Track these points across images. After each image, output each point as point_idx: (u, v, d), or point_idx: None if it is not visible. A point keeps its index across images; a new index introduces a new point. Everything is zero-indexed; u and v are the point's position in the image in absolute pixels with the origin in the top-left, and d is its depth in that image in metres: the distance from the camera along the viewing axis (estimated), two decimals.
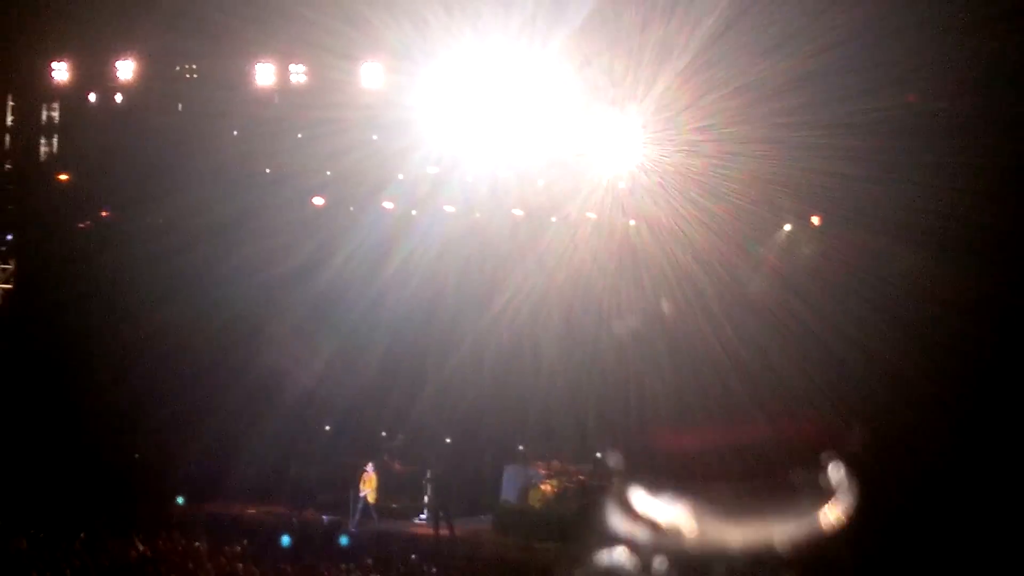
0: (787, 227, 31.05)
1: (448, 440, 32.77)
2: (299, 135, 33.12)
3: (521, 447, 33.55)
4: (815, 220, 30.34)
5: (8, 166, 36.65)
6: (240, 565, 22.18)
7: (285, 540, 27.12)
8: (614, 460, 31.80)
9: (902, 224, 27.44)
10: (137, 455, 33.91)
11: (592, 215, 31.81)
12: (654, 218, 30.86)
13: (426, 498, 32.51)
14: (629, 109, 29.23)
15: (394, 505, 32.52)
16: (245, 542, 24.80)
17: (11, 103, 36.32)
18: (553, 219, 31.64)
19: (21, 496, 28.00)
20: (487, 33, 29.07)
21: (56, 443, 32.79)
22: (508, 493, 32.83)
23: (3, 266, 36.71)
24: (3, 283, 36.62)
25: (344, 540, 28.75)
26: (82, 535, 24.28)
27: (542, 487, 32.15)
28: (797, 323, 28.88)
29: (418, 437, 32.90)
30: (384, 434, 32.94)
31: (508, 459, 33.39)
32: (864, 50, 26.57)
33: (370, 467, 31.67)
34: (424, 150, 30.97)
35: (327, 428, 33.44)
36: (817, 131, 27.13)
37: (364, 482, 31.59)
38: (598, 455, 32.36)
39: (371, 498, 31.59)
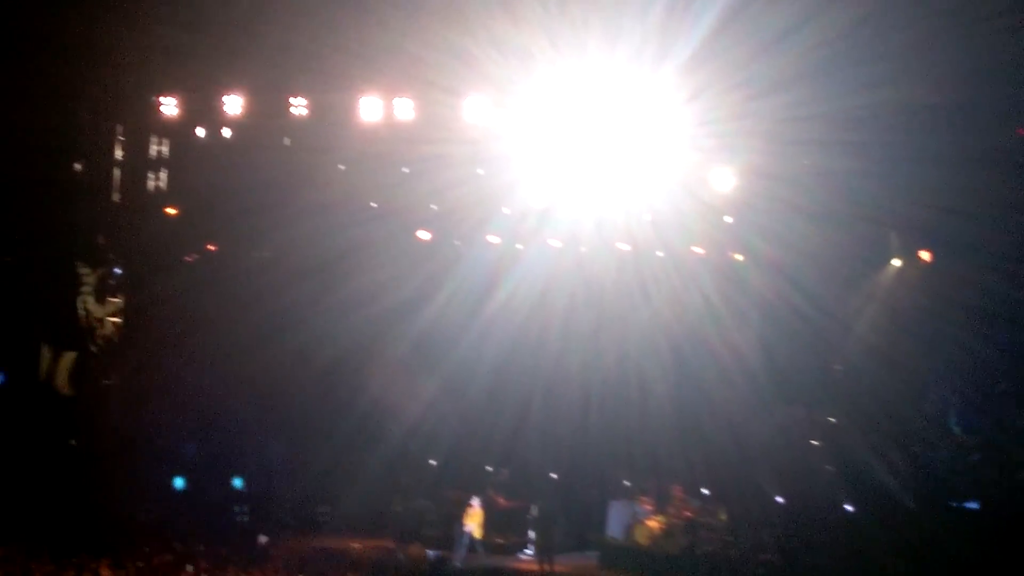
0: (897, 262, 30.73)
1: (553, 475, 32.77)
2: (405, 170, 33.41)
3: (627, 482, 33.49)
4: (925, 256, 29.99)
5: (117, 200, 37.16)
6: None
7: None
8: (720, 497, 31.97)
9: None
10: (240, 489, 34.42)
11: (699, 249, 31.78)
12: (761, 253, 30.78)
13: (531, 533, 32.54)
14: (736, 143, 29.12)
15: (499, 540, 32.57)
16: None
17: (120, 138, 36.86)
18: (660, 253, 31.56)
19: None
20: (593, 66, 29.12)
21: (163, 477, 33.36)
22: (614, 529, 32.82)
23: (113, 300, 37.26)
24: (113, 316, 37.18)
25: None
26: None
27: (648, 523, 32.08)
28: (908, 360, 28.68)
29: (523, 472, 32.99)
30: (489, 468, 33.01)
31: (614, 494, 33.34)
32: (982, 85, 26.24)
33: (475, 501, 31.78)
34: (529, 184, 31.05)
35: (432, 462, 33.65)
36: (926, 166, 26.88)
37: (469, 516, 31.73)
38: (704, 491, 32.28)
39: (476, 533, 31.70)
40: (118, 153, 36.75)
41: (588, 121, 29.84)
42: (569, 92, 29.65)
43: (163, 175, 36.81)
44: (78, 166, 37.05)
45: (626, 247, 31.66)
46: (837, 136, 27.04)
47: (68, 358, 37.10)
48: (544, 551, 31.60)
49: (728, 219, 31.28)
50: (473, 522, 31.72)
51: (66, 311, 37.09)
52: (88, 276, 37.21)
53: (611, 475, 33.35)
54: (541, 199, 31.28)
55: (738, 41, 27.50)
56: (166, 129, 35.71)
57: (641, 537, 32.06)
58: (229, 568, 25.38)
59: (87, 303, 37.04)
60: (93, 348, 37.02)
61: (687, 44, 27.63)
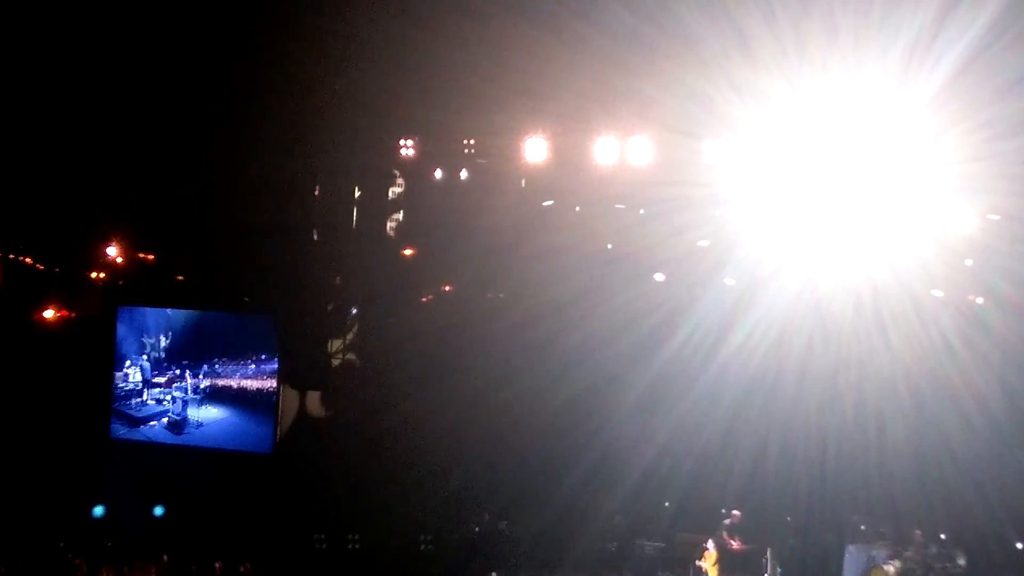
0: None
1: (788, 518, 32.91)
2: (641, 211, 34.06)
3: (863, 526, 33.45)
4: None
5: (354, 241, 38.50)
6: None
7: None
8: (958, 542, 31.80)
9: None
10: (478, 528, 35.37)
11: (939, 292, 31.75)
12: (1004, 295, 30.66)
13: None
14: (978, 184, 29.12)
15: None
16: None
17: (359, 179, 38.22)
18: (898, 296, 31.55)
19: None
20: (830, 108, 29.43)
21: (393, 520, 34.46)
22: (849, 573, 32.75)
23: (351, 339, 38.55)
24: (351, 356, 38.49)
25: None
26: None
27: (884, 568, 31.99)
28: None
29: (758, 514, 33.16)
30: (723, 511, 33.30)
31: (850, 538, 33.31)
32: None
33: (710, 544, 32.13)
34: (766, 226, 31.41)
35: (666, 504, 34.08)
36: None
37: (703, 558, 32.07)
38: (943, 536, 32.13)
39: (710, 575, 32.02)
40: (357, 194, 38.16)
41: (826, 162, 30.13)
42: (806, 132, 30.00)
43: (400, 216, 38.03)
44: (315, 208, 38.66)
45: (865, 290, 31.69)
46: None
47: (310, 398, 38.63)
48: None
49: (969, 262, 31.23)
50: (707, 564, 32.05)
51: (307, 351, 38.62)
52: (327, 316, 38.69)
53: (848, 519, 33.29)
54: (778, 241, 31.55)
55: (982, 80, 27.57)
56: (404, 170, 36.92)
57: None
58: None
59: (326, 343, 38.50)
60: (332, 388, 38.46)
61: (929, 83, 27.79)
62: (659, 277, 34.90)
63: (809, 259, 31.55)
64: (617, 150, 32.39)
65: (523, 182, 35.16)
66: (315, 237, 38.76)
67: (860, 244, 30.72)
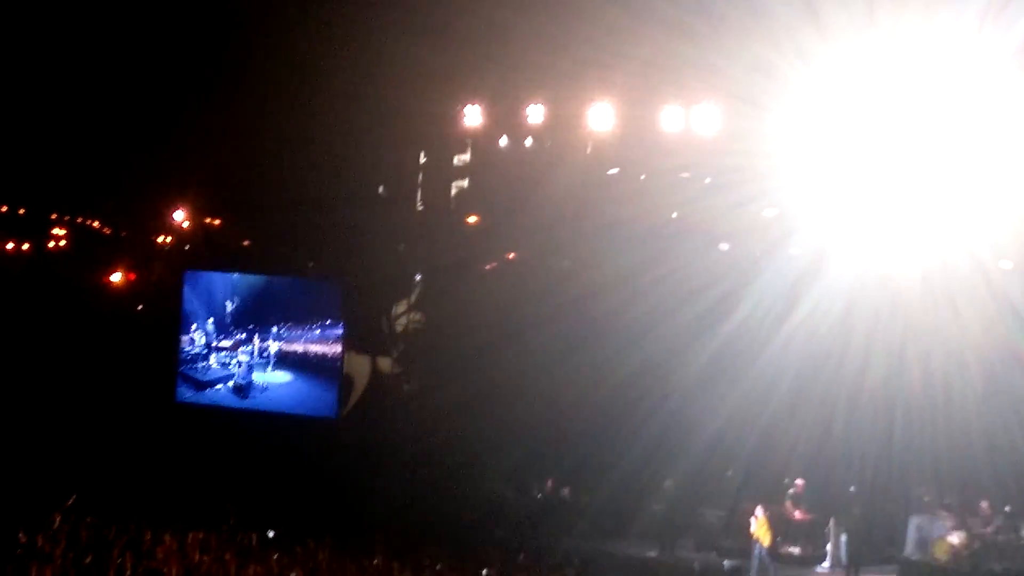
0: None
1: (853, 488, 32.93)
2: (707, 180, 33.99)
3: (927, 498, 33.42)
4: None
5: (419, 208, 38.73)
6: None
7: None
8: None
9: None
10: (540, 495, 35.66)
11: (1008, 263, 31.53)
12: None
13: (828, 547, 32.80)
14: None
15: (796, 552, 32.88)
16: None
17: (422, 148, 38.41)
18: (967, 267, 31.31)
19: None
20: (899, 73, 29.19)
21: (456, 488, 34.79)
22: (913, 544, 32.74)
23: (416, 308, 38.81)
24: (416, 325, 38.75)
25: None
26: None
27: (949, 540, 31.95)
28: None
29: (821, 484, 33.20)
30: (787, 480, 33.36)
31: (914, 509, 33.28)
32: None
33: (759, 511, 32.11)
34: (835, 196, 31.27)
35: (729, 473, 34.19)
36: None
37: (766, 528, 32.11)
38: (1008, 509, 32.05)
39: (764, 542, 32.02)
40: (422, 161, 38.33)
41: (895, 129, 29.93)
42: (875, 99, 29.81)
43: (465, 184, 38.17)
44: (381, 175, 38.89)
45: (933, 260, 31.53)
46: None
47: (378, 365, 38.97)
48: (841, 565, 31.91)
49: None
50: (756, 534, 32.13)
51: (372, 317, 38.93)
52: (391, 283, 38.97)
53: (913, 489, 33.26)
54: (845, 212, 31.42)
55: None
56: (469, 139, 37.03)
57: (941, 553, 31.89)
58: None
59: (391, 312, 38.80)
60: (396, 355, 38.79)
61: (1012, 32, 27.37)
62: (724, 248, 34.85)
63: (876, 229, 31.38)
64: (683, 119, 32.33)
65: (588, 150, 35.09)
66: (380, 205, 39.01)
67: (929, 214, 30.52)
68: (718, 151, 32.00)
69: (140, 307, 49.12)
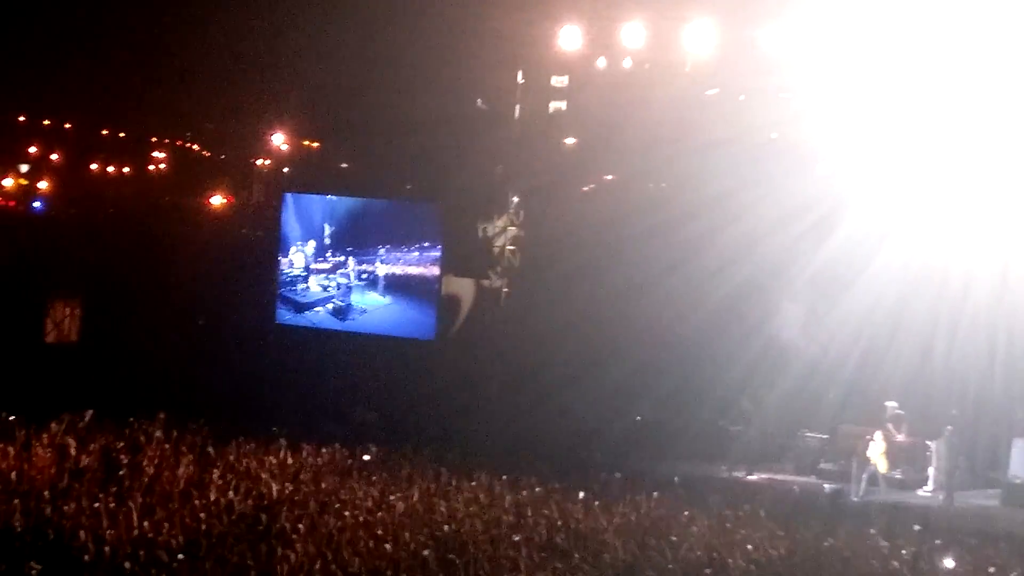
0: None
1: (955, 411, 32.77)
2: (805, 101, 33.69)
3: None
4: None
5: (516, 131, 38.78)
6: None
7: None
8: None
9: None
10: (639, 417, 35.83)
11: None
12: None
13: (930, 469, 32.72)
14: None
15: (897, 476, 32.84)
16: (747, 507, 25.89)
17: (520, 68, 38.38)
18: None
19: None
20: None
21: (552, 411, 35.05)
22: (1017, 468, 32.59)
23: (512, 228, 38.98)
24: (509, 245, 38.96)
25: None
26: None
27: None
28: None
29: (923, 407, 33.04)
30: (887, 404, 33.24)
31: (1017, 431, 33.06)
32: None
33: (877, 435, 32.11)
34: (942, 115, 30.92)
35: (830, 396, 34.11)
36: None
37: (867, 451, 32.10)
38: None
39: (881, 468, 32.03)
40: (519, 83, 38.32)
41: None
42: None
43: (563, 106, 38.15)
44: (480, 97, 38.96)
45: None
46: None
47: (475, 287, 39.30)
48: (943, 488, 31.85)
49: None
50: (871, 457, 32.13)
51: (470, 239, 39.19)
52: (489, 205, 39.16)
53: (1016, 412, 33.03)
54: (952, 133, 31.08)
55: None
56: (567, 60, 36.96)
57: None
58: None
59: (489, 233, 39.01)
60: (494, 277, 39.05)
61: None
62: (822, 170, 34.51)
63: (982, 150, 31.06)
64: (780, 39, 32.12)
65: (687, 70, 34.94)
66: (478, 126, 39.10)
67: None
68: (819, 71, 31.75)
69: (240, 230, 49.79)
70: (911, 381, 32.69)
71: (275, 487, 23.24)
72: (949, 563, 21.78)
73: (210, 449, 26.57)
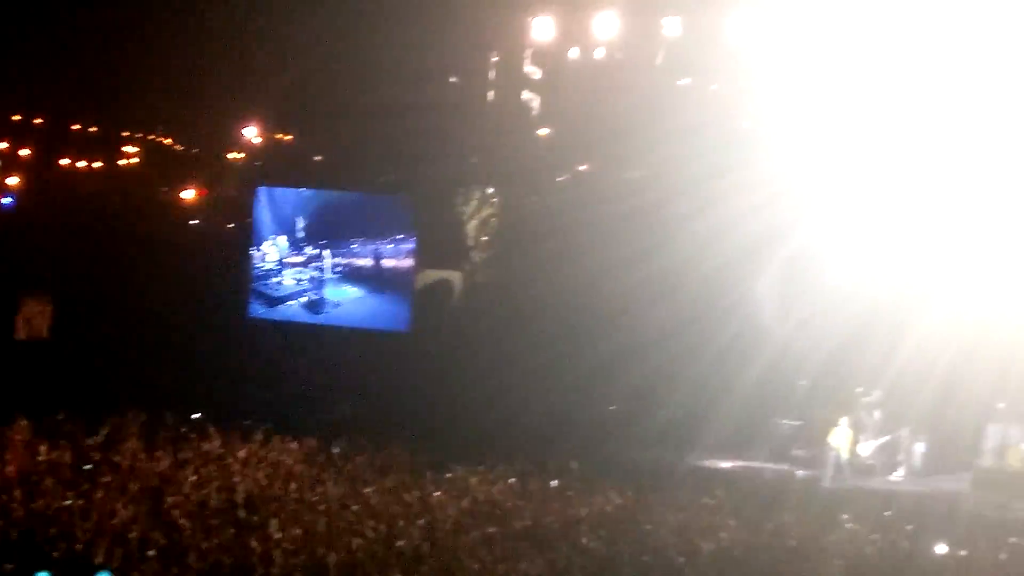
0: None
1: (927, 397, 32.93)
2: (778, 89, 33.84)
3: (1001, 404, 33.40)
4: None
5: (489, 122, 38.90)
6: None
7: None
8: None
9: None
10: (613, 407, 35.92)
11: None
12: None
13: (900, 455, 32.93)
14: None
15: (868, 461, 33.03)
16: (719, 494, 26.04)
17: (493, 59, 38.49)
18: None
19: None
20: None
21: (526, 398, 35.14)
22: (986, 452, 32.80)
23: (487, 218, 39.03)
24: (487, 235, 39.03)
25: None
26: None
27: (1021, 447, 32.01)
28: None
29: (894, 393, 33.23)
30: (859, 390, 33.43)
31: (987, 417, 33.27)
32: None
33: (844, 422, 32.32)
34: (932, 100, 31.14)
35: (802, 383, 34.30)
36: None
37: (838, 437, 32.28)
38: None
39: (844, 454, 32.23)
40: (492, 75, 38.43)
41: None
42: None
43: (536, 96, 38.28)
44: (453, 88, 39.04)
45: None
46: None
47: (449, 278, 39.37)
48: (915, 474, 32.05)
49: None
50: (842, 443, 32.32)
51: (444, 230, 39.25)
52: (463, 197, 39.24)
53: (985, 398, 33.23)
54: (921, 118, 31.27)
55: None
56: (540, 50, 37.08)
57: (1015, 460, 32.04)
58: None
59: (463, 224, 39.09)
60: (468, 267, 39.15)
61: None
62: (797, 157, 34.64)
63: (954, 136, 31.23)
64: (752, 28, 32.24)
65: (659, 61, 35.09)
66: (451, 117, 39.17)
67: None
68: (790, 59, 31.89)
69: (212, 224, 49.70)
70: (885, 367, 32.87)
71: (249, 481, 23.33)
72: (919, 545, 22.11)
73: (183, 444, 26.66)
